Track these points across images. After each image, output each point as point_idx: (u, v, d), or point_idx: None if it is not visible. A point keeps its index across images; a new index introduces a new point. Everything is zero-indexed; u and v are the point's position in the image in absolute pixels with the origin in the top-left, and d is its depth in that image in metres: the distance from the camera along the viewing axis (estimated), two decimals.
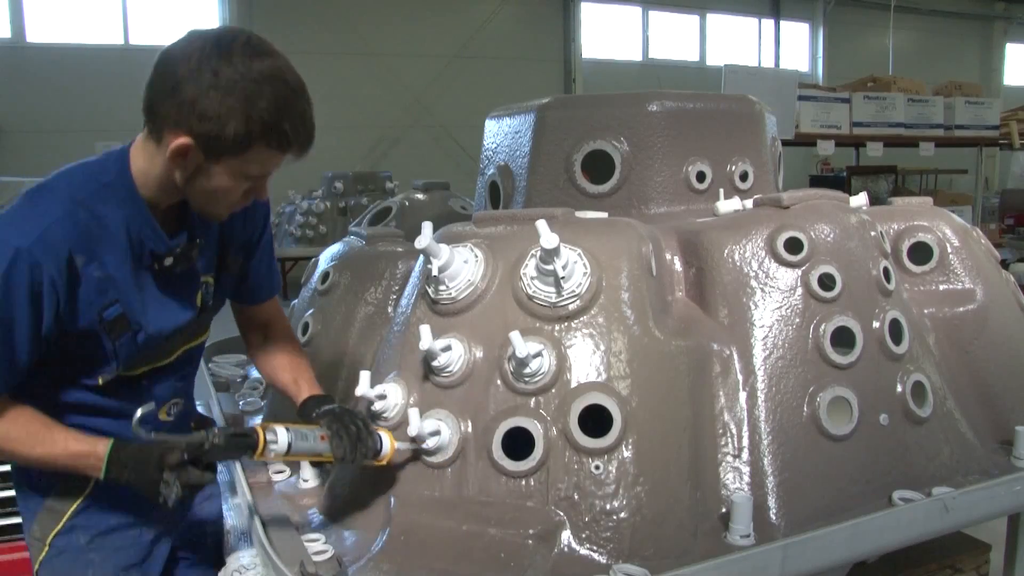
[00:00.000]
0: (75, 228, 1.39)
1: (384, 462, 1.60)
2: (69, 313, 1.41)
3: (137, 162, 1.45)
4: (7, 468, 3.01)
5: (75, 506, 1.62)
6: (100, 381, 1.53)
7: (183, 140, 1.33)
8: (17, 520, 3.04)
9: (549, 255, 1.58)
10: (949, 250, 2.19)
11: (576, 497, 1.51)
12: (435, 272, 1.66)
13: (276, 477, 1.99)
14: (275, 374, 1.80)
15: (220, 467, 2.03)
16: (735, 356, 1.75)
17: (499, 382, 1.61)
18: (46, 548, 1.63)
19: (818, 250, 1.83)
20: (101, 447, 1.44)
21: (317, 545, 1.56)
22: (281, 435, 1.44)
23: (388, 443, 1.59)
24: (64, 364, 1.51)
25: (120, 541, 1.66)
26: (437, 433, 1.58)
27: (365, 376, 1.67)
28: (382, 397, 1.65)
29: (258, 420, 2.44)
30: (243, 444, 1.41)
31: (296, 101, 1.38)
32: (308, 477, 1.93)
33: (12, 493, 3.00)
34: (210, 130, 1.32)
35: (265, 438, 1.42)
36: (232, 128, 1.32)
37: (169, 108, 1.33)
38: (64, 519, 1.62)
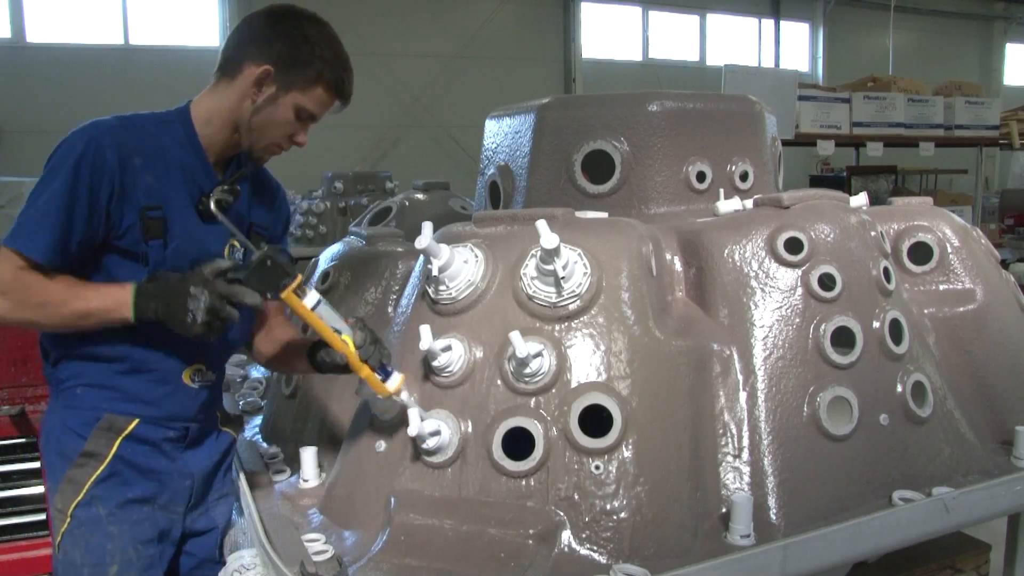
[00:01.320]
0: (137, 138, 1.60)
1: (387, 394, 1.61)
2: (119, 202, 1.57)
3: (200, 107, 1.70)
4: (7, 468, 3.02)
5: (94, 477, 1.66)
6: None
7: (266, 67, 1.63)
8: (17, 520, 3.05)
9: (549, 255, 1.58)
10: (949, 250, 2.19)
11: (576, 497, 1.51)
12: (435, 272, 1.66)
13: (276, 477, 1.99)
14: (278, 344, 1.91)
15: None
16: (735, 356, 1.75)
17: (499, 382, 1.61)
18: (68, 519, 1.66)
19: (818, 250, 1.83)
20: (130, 285, 1.55)
21: (317, 545, 1.56)
22: (313, 292, 1.54)
23: (398, 378, 1.61)
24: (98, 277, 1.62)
25: (137, 515, 1.70)
26: (437, 433, 1.58)
27: None
28: None
29: (258, 420, 2.44)
30: (284, 269, 1.51)
31: (349, 62, 1.72)
32: (308, 477, 1.93)
33: (12, 493, 3.03)
34: (291, 61, 1.64)
35: (300, 283, 1.52)
36: (308, 63, 1.65)
37: (255, 45, 1.65)
38: (84, 490, 1.66)
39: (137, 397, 1.68)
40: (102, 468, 1.67)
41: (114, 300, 1.54)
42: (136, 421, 1.69)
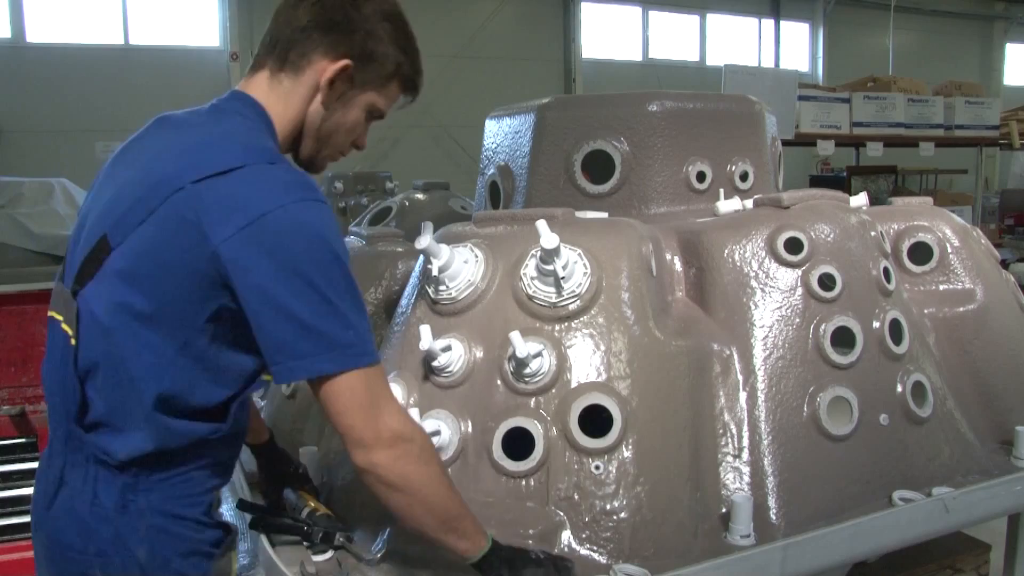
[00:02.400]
0: None
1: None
2: None
3: (271, 109, 1.38)
4: (7, 468, 3.02)
5: (235, 563, 1.45)
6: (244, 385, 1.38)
7: (344, 62, 1.36)
8: (17, 520, 3.05)
9: (549, 255, 1.58)
10: (949, 250, 2.19)
11: (576, 497, 1.51)
12: (435, 272, 1.66)
13: None
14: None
15: None
16: (735, 356, 1.75)
17: (499, 382, 1.61)
18: None
19: (818, 250, 1.83)
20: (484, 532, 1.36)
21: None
22: None
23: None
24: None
25: None
26: (437, 433, 1.58)
27: None
28: None
29: None
30: None
31: (419, 50, 1.47)
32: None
33: (12, 493, 3.03)
34: (371, 55, 1.38)
35: None
36: (386, 56, 1.40)
37: (328, 34, 1.35)
38: None
39: (223, 462, 1.41)
40: (235, 550, 1.45)
41: (478, 527, 1.34)
42: (220, 488, 1.45)
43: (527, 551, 1.38)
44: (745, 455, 1.69)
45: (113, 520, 1.31)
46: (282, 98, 1.38)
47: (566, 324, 1.62)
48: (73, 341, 1.31)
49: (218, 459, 1.39)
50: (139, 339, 1.26)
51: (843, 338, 1.79)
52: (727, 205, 2.12)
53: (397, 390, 1.66)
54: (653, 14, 14.40)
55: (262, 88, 1.39)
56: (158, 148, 1.33)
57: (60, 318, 1.35)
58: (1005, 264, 5.33)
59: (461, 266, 1.69)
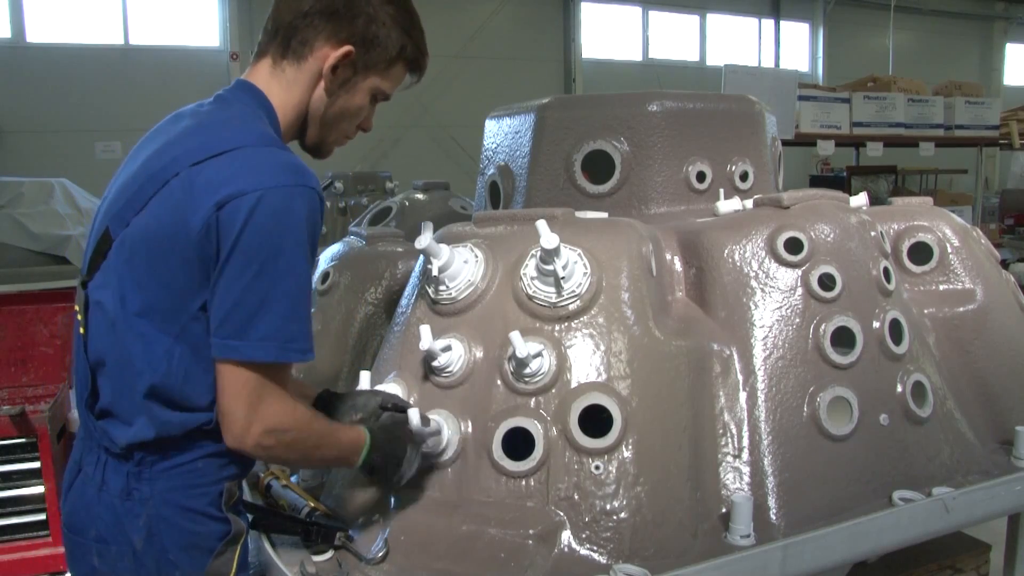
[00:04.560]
0: None
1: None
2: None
3: (273, 97, 1.40)
4: (7, 468, 3.02)
5: (235, 562, 1.39)
6: None
7: (346, 48, 1.38)
8: (17, 520, 3.05)
9: (549, 255, 1.58)
10: (949, 250, 2.19)
11: (576, 497, 1.51)
12: (435, 272, 1.66)
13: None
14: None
15: None
16: (735, 356, 1.75)
17: (499, 382, 1.61)
18: None
19: (818, 250, 1.83)
20: (361, 431, 1.46)
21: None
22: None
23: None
24: None
25: None
26: (437, 433, 1.58)
27: (365, 376, 1.67)
28: None
29: None
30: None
31: (423, 29, 1.49)
32: (307, 476, 1.93)
33: (12, 493, 3.03)
34: (373, 39, 1.39)
35: None
36: (389, 39, 1.41)
37: (329, 21, 1.37)
38: None
39: (241, 456, 1.36)
40: (239, 549, 1.40)
41: (353, 447, 1.44)
42: (237, 484, 1.42)
43: (394, 425, 1.51)
44: (745, 455, 1.69)
45: (116, 507, 1.32)
46: (284, 86, 1.41)
47: (566, 324, 1.62)
48: (82, 330, 1.36)
49: (225, 449, 1.33)
50: (136, 329, 1.28)
51: (843, 338, 1.79)
52: (727, 205, 2.12)
53: (397, 390, 1.67)
54: (653, 14, 14.40)
55: (264, 77, 1.41)
56: (161, 140, 1.36)
57: (78, 309, 1.40)
58: (1005, 264, 5.33)
59: (461, 266, 1.69)
